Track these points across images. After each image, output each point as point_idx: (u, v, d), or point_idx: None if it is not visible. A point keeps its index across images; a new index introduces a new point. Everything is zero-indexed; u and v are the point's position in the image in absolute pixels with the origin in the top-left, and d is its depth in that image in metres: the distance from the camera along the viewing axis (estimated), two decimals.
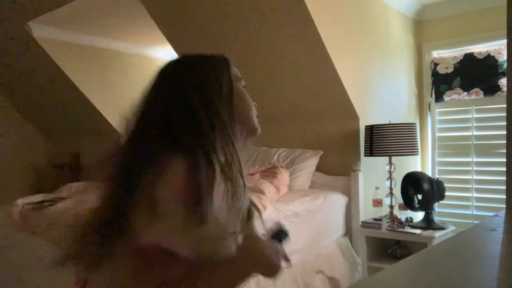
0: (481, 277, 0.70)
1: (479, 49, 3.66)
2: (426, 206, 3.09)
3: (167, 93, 1.00)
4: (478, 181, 3.62)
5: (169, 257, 0.80)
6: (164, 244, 0.80)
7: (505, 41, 1.27)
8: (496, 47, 3.56)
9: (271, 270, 0.92)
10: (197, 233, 0.81)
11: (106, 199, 0.90)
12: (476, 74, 3.65)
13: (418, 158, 3.84)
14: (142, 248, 0.80)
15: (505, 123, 1.19)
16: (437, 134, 3.89)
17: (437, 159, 3.87)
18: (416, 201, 3.09)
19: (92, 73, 4.81)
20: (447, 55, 3.85)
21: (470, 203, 3.65)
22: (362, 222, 3.07)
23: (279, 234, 1.04)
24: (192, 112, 0.94)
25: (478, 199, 3.62)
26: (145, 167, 0.84)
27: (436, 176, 3.77)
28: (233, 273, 0.90)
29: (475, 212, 3.61)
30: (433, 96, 3.90)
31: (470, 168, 3.66)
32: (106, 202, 0.90)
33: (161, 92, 1.02)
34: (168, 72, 1.07)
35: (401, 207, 3.18)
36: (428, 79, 3.93)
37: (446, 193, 3.28)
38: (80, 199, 2.56)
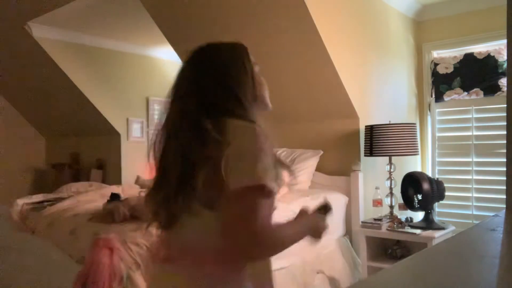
0: (481, 277, 0.70)
1: (479, 49, 3.66)
2: (426, 206, 3.09)
3: (206, 74, 1.17)
4: (478, 181, 3.62)
5: (268, 193, 1.01)
6: (265, 183, 1.00)
7: (505, 41, 1.27)
8: (496, 47, 3.56)
9: (318, 234, 1.24)
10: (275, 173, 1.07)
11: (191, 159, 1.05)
12: (476, 74, 3.65)
13: (418, 158, 3.84)
14: (250, 188, 0.99)
15: (505, 123, 1.19)
16: (437, 134, 3.89)
17: (437, 159, 3.87)
18: (416, 201, 3.09)
19: (92, 73, 4.82)
20: (447, 55, 3.85)
21: (470, 203, 3.65)
22: (362, 222, 3.07)
23: (324, 208, 1.28)
24: (233, 91, 1.14)
25: (478, 199, 3.61)
26: (219, 132, 1.04)
27: (436, 176, 3.76)
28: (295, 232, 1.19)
29: (475, 212, 3.61)
30: (433, 96, 3.90)
31: (470, 168, 3.66)
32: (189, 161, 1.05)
33: (200, 74, 1.17)
34: (202, 57, 1.23)
35: (401, 207, 3.18)
36: (428, 79, 3.93)
37: (446, 193, 3.27)
38: (79, 199, 2.57)
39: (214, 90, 1.13)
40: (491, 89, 3.58)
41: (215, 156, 1.00)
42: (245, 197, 0.99)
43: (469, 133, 3.68)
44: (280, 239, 1.09)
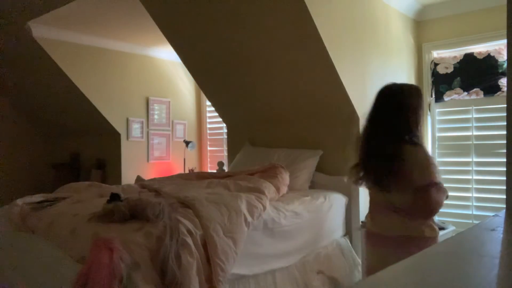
0: (481, 277, 0.70)
1: (479, 49, 3.66)
2: None
3: (393, 109, 1.98)
4: (478, 181, 3.62)
5: (438, 183, 1.95)
6: (436, 180, 1.92)
7: (505, 41, 1.27)
8: (496, 47, 3.56)
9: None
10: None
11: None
12: (476, 74, 3.65)
13: None
14: (431, 184, 1.92)
15: (505, 123, 1.19)
16: (437, 134, 3.89)
17: (437, 159, 3.87)
18: None
19: (92, 73, 4.82)
20: (447, 55, 3.85)
21: (470, 203, 3.65)
22: (362, 222, 3.07)
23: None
24: (412, 120, 1.97)
25: (478, 199, 3.62)
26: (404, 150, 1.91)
27: None
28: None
29: (475, 212, 3.61)
30: (433, 96, 3.90)
31: (470, 168, 3.66)
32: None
33: (402, 105, 1.99)
34: (389, 95, 2.04)
35: None
36: (428, 79, 3.93)
37: None
38: (79, 199, 2.56)
39: (401, 120, 1.95)
40: (491, 89, 3.58)
41: (398, 166, 1.88)
42: (429, 190, 1.88)
43: (469, 133, 3.68)
44: (440, 203, 1.96)
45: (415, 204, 1.91)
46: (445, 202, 3.47)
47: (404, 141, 1.88)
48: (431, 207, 1.92)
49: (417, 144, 1.90)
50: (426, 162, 1.88)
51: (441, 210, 3.70)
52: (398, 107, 1.95)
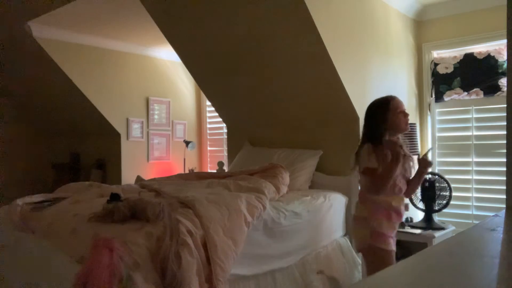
0: (481, 277, 0.70)
1: (479, 49, 3.66)
2: (431, 204, 3.12)
3: (367, 116, 2.49)
4: (478, 181, 3.62)
5: (369, 168, 2.38)
6: (368, 166, 2.37)
7: (505, 41, 1.28)
8: (496, 47, 3.56)
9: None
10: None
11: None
12: (476, 74, 3.65)
13: None
14: (364, 169, 2.39)
15: (505, 123, 1.19)
16: (437, 134, 3.89)
17: (437, 159, 3.87)
18: (444, 203, 3.16)
19: (92, 73, 4.82)
20: (447, 55, 3.85)
21: (470, 203, 3.65)
22: None
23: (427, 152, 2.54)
24: (378, 124, 2.39)
25: (478, 199, 3.61)
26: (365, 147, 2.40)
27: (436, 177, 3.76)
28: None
29: (475, 212, 3.61)
30: (433, 96, 3.90)
31: (470, 168, 3.66)
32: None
33: (366, 116, 2.49)
34: (369, 106, 2.49)
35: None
36: (428, 79, 3.93)
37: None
38: (79, 199, 2.56)
39: (365, 126, 2.47)
40: (491, 89, 3.58)
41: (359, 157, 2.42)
42: (364, 173, 2.38)
43: (469, 133, 3.68)
44: (380, 187, 2.34)
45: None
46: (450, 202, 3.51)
47: (370, 139, 2.41)
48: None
49: (374, 141, 2.38)
50: (366, 154, 2.37)
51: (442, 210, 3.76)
52: (368, 117, 2.48)
